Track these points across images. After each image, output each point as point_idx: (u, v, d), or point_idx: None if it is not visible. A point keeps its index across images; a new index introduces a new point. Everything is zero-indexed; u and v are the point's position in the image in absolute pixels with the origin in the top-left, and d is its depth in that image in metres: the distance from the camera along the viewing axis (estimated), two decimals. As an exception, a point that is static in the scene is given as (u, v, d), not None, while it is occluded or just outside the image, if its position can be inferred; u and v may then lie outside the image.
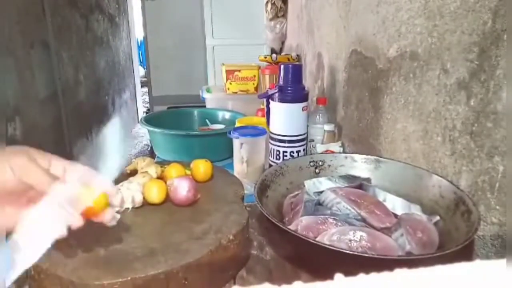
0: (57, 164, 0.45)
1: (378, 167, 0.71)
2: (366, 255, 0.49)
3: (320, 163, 0.73)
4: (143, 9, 3.74)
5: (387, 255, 0.50)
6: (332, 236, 0.52)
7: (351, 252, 0.48)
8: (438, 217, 0.58)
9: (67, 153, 2.11)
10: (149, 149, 3.15)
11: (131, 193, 0.59)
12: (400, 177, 0.68)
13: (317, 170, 0.73)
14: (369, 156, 0.72)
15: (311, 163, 0.73)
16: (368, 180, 0.69)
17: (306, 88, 0.99)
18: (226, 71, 1.68)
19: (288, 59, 1.78)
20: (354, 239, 0.51)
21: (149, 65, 3.86)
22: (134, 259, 0.46)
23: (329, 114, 1.09)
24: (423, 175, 0.64)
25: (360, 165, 0.73)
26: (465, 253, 0.56)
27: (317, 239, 0.52)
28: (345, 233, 0.52)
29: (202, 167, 0.72)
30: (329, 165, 0.73)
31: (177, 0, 3.69)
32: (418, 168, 0.66)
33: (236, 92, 1.69)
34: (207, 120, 1.42)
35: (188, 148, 1.15)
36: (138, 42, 4.25)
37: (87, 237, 0.51)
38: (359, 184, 0.67)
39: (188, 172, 0.71)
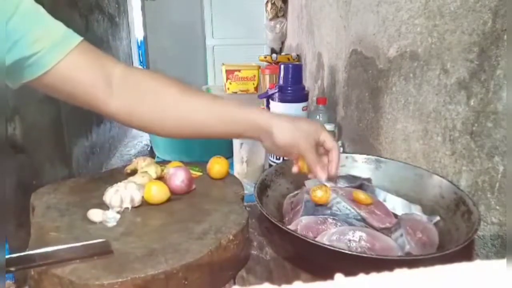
0: None
1: (378, 167, 0.71)
2: (365, 255, 0.48)
3: (321, 163, 0.73)
4: (143, 9, 3.74)
5: (386, 255, 0.50)
6: (331, 236, 0.52)
7: (350, 252, 0.48)
8: (438, 217, 0.58)
9: (67, 153, 2.11)
10: (149, 149, 3.15)
11: (130, 192, 0.59)
12: (400, 177, 0.68)
13: (317, 170, 0.73)
14: (369, 156, 0.72)
15: (311, 163, 0.73)
16: (368, 180, 0.69)
17: (306, 88, 0.99)
18: (226, 71, 1.68)
19: (288, 59, 1.78)
20: (354, 239, 0.51)
21: (149, 65, 3.86)
22: (134, 259, 0.46)
23: (329, 114, 1.09)
24: (424, 175, 0.64)
25: (360, 165, 0.73)
26: (465, 253, 0.56)
27: (316, 239, 0.52)
28: (344, 233, 0.52)
29: (217, 165, 0.72)
30: (329, 165, 0.73)
31: (177, 0, 3.69)
32: (418, 168, 0.66)
33: (236, 92, 1.69)
34: (207, 120, 1.41)
35: (188, 148, 1.14)
36: (138, 42, 4.25)
37: (87, 237, 0.51)
38: (359, 184, 0.67)
39: (192, 171, 0.72)
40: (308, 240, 0.49)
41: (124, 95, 0.56)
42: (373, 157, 0.72)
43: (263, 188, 0.64)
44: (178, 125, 0.58)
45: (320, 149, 0.62)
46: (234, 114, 0.58)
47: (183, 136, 0.61)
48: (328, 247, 0.47)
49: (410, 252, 0.51)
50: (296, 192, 0.67)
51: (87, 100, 0.55)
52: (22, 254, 0.45)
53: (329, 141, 0.61)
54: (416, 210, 0.61)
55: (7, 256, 0.43)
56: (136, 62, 4.15)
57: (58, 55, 0.50)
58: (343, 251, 0.46)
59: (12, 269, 0.43)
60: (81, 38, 0.53)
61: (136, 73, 0.59)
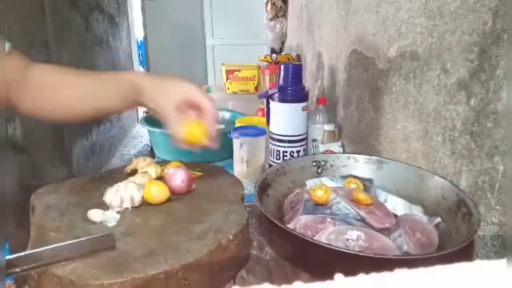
0: None
1: (380, 168, 0.71)
2: (362, 253, 0.48)
3: (323, 163, 0.73)
4: (143, 9, 3.75)
5: (384, 254, 0.49)
6: (329, 235, 0.52)
7: (347, 251, 0.47)
8: (439, 219, 0.57)
9: (67, 153, 2.11)
10: (149, 149, 3.15)
11: (130, 192, 0.59)
12: (402, 178, 0.67)
13: (319, 170, 0.73)
14: (371, 157, 0.72)
15: (313, 163, 0.73)
16: (370, 180, 0.69)
17: (306, 88, 0.99)
18: (226, 71, 1.68)
19: (288, 59, 1.78)
20: (352, 238, 0.51)
21: (149, 65, 3.86)
22: (134, 259, 0.46)
23: (329, 114, 1.09)
24: (425, 176, 0.64)
25: (362, 166, 0.72)
26: (465, 253, 0.56)
27: (314, 237, 0.52)
28: (342, 232, 0.52)
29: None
30: (331, 165, 0.73)
31: (177, 0, 3.70)
32: (420, 169, 0.66)
33: (236, 92, 1.69)
34: (207, 120, 1.41)
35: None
36: (138, 42, 4.25)
37: (87, 237, 0.51)
38: (360, 185, 0.67)
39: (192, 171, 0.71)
40: (306, 238, 0.49)
41: (27, 96, 0.62)
42: (375, 158, 0.72)
43: (264, 187, 0.64)
44: (75, 107, 0.65)
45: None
46: (114, 76, 0.65)
47: (86, 117, 0.67)
48: (326, 245, 0.47)
49: (408, 253, 0.51)
50: (297, 191, 0.67)
51: (5, 101, 0.61)
52: (23, 254, 0.45)
53: (198, 98, 0.62)
54: (417, 211, 0.61)
55: (12, 256, 0.43)
56: (136, 62, 4.14)
57: None
58: (340, 249, 0.46)
59: (18, 269, 0.43)
60: None
61: (36, 71, 0.64)
